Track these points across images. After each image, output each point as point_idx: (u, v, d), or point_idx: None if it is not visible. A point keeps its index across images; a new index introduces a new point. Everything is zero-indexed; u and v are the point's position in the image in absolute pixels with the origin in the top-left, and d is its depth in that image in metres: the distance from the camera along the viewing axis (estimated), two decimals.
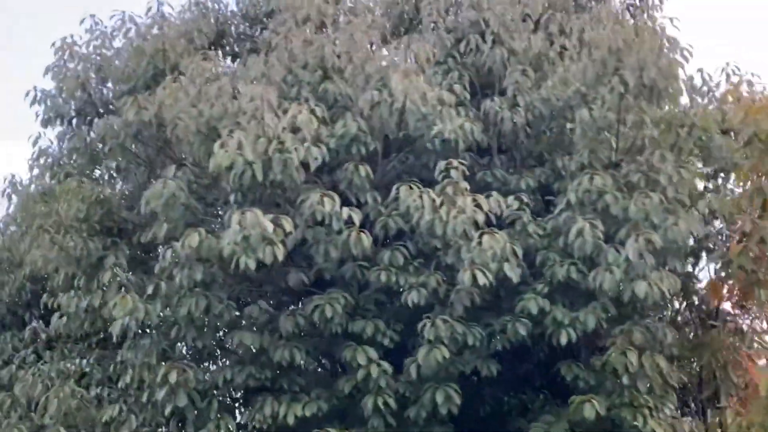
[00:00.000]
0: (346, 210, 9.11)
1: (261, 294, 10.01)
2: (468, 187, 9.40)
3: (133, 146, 10.85)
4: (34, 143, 13.50)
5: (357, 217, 9.19)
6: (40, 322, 13.25)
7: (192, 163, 9.94)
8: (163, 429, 10.01)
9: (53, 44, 12.38)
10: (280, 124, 8.93)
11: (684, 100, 10.55)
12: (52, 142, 13.57)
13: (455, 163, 9.45)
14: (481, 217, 9.07)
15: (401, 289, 9.61)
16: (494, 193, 9.52)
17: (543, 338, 9.74)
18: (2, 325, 13.28)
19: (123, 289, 9.84)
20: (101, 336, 11.05)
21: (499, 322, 9.64)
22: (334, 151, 9.59)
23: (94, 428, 10.56)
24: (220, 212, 9.92)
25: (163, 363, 9.62)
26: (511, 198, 9.67)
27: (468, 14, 11.41)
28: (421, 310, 9.85)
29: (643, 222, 9.23)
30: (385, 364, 9.39)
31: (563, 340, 9.34)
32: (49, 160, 13.35)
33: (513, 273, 9.16)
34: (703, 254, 10.58)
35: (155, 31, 11.49)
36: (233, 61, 12.29)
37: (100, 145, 11.34)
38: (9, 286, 13.02)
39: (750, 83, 10.67)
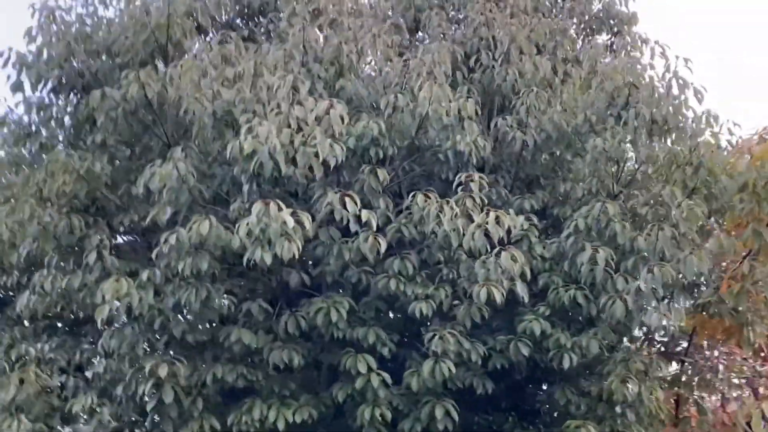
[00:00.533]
0: (365, 212, 8.82)
1: (256, 291, 9.55)
2: (486, 201, 9.30)
3: (126, 124, 10.19)
4: None
5: (374, 221, 8.91)
6: None
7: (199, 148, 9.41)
8: (144, 425, 9.37)
9: (32, 6, 11.67)
10: (310, 116, 8.56)
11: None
12: (12, 109, 12.85)
13: (476, 176, 9.32)
14: (501, 233, 8.95)
15: (406, 300, 9.37)
16: (511, 210, 9.44)
17: (539, 361, 9.72)
18: None
19: (114, 272, 9.15)
20: (72, 320, 10.32)
21: (499, 341, 9.55)
22: (350, 151, 9.29)
23: (52, 419, 9.83)
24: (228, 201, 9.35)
25: (145, 355, 9.04)
26: (521, 218, 9.61)
27: (480, 31, 11.38)
28: (418, 323, 9.68)
29: (653, 254, 9.34)
30: (385, 374, 9.12)
31: (566, 364, 9.31)
32: (12, 127, 12.61)
33: (524, 293, 9.09)
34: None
35: (158, 4, 10.90)
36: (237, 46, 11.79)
37: (85, 119, 10.63)
38: None
39: (730, 131, 11.03)
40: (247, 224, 8.30)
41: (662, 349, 11.61)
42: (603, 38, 14.06)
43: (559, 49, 12.14)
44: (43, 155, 10.94)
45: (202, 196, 9.21)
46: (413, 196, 9.30)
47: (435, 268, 9.54)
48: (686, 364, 11.07)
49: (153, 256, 8.83)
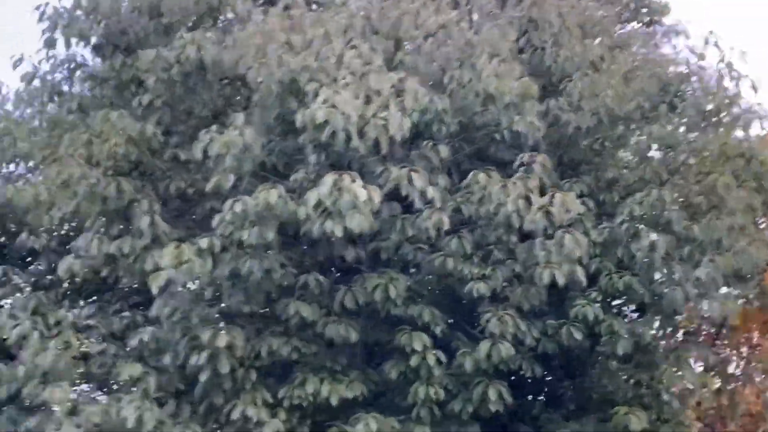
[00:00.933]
0: (431, 189, 8.68)
1: (309, 264, 9.37)
2: (549, 183, 9.21)
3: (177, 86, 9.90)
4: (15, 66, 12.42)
5: (439, 198, 8.78)
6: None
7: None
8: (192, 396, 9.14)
9: None
10: (386, 86, 8.37)
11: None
12: (36, 66, 12.46)
13: (540, 157, 9.22)
14: (564, 215, 8.88)
15: (461, 279, 9.27)
16: (571, 193, 9.36)
17: (587, 346, 9.71)
18: None
19: (164, 238, 8.89)
20: (112, 286, 10.05)
21: (550, 325, 9.51)
22: (413, 126, 9.13)
23: (91, 387, 9.60)
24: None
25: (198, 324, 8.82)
26: (578, 201, 9.54)
27: (530, 11, 11.23)
28: (470, 302, 9.60)
29: (709, 244, 9.36)
30: (440, 353, 9.03)
31: (620, 351, 9.31)
32: (37, 84, 12.24)
33: (582, 276, 9.04)
34: None
35: None
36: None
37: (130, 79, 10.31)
38: None
39: None
40: (318, 195, 8.12)
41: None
42: (634, 27, 14.06)
43: (603, 34, 12.06)
44: (81, 115, 10.65)
45: (263, 165, 8.99)
46: (474, 174, 9.18)
47: (491, 248, 9.44)
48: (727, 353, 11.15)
49: (214, 223, 8.59)
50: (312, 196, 8.18)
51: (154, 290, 8.60)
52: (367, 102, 8.47)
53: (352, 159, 8.84)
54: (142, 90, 10.12)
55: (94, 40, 10.44)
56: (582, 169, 10.96)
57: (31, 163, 12.35)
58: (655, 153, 10.58)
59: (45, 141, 10.60)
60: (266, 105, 9.24)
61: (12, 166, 12.67)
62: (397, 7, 9.88)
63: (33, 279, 11.36)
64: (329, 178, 8.05)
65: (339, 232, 8.13)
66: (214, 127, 9.10)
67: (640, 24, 14.12)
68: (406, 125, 8.57)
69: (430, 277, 9.54)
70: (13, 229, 12.07)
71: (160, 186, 10.00)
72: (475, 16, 11.83)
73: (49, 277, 11.67)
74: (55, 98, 11.75)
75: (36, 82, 12.34)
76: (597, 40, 11.54)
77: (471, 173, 9.21)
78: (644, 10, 14.13)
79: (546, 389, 10.48)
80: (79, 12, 10.99)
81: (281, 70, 8.75)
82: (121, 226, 9.58)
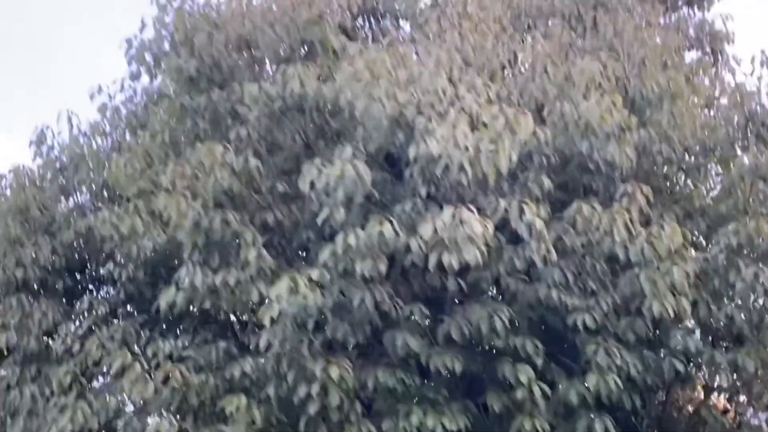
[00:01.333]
0: (539, 221, 8.74)
1: (414, 295, 9.41)
2: (651, 213, 9.27)
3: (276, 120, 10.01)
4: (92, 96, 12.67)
5: (545, 230, 8.83)
6: (95, 293, 12.21)
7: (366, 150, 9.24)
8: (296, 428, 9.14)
9: None
10: (498, 121, 8.46)
11: None
12: (111, 96, 12.68)
13: (642, 188, 9.28)
14: (671, 246, 8.91)
15: (562, 310, 9.30)
16: (674, 224, 9.39)
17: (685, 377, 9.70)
18: (30, 292, 12.04)
19: (268, 270, 8.96)
20: (211, 318, 10.11)
21: (649, 356, 9.50)
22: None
23: (190, 418, 9.62)
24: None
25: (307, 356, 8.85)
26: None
27: (612, 42, 11.34)
28: (571, 334, 9.59)
29: None
30: (545, 386, 9.04)
31: (724, 383, 9.29)
32: (120, 115, 12.44)
33: (688, 307, 9.05)
34: None
35: None
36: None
37: (227, 112, 10.44)
38: (44, 249, 11.87)
39: None
40: (434, 228, 8.18)
41: None
42: (695, 55, 14.15)
43: (681, 63, 12.16)
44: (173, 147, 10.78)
45: (371, 197, 9.07)
46: (576, 204, 9.23)
47: (592, 279, 9.46)
48: None
49: (325, 255, 8.64)
50: (428, 229, 8.24)
51: (266, 322, 8.64)
52: (477, 134, 8.54)
53: (460, 191, 8.90)
54: (238, 122, 10.24)
55: (189, 73, 10.55)
56: (669, 199, 11.02)
57: (104, 193, 12.63)
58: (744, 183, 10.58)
59: (135, 172, 10.70)
60: (370, 138, 9.31)
61: (83, 195, 12.93)
62: (491, 41, 10.02)
63: (120, 309, 11.48)
64: (448, 211, 8.12)
65: (456, 265, 8.18)
66: (317, 160, 9.20)
67: (704, 53, 14.23)
68: (513, 157, 8.65)
69: (529, 307, 9.54)
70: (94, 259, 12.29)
71: (256, 217, 10.08)
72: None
73: (128, 306, 11.86)
74: (138, 130, 11.95)
75: (108, 113, 12.65)
76: (672, 70, 11.65)
77: (573, 204, 9.27)
78: (707, 39, 14.24)
79: (645, 421, 10.43)
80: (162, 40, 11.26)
81: (390, 105, 8.84)
82: (222, 258, 9.63)
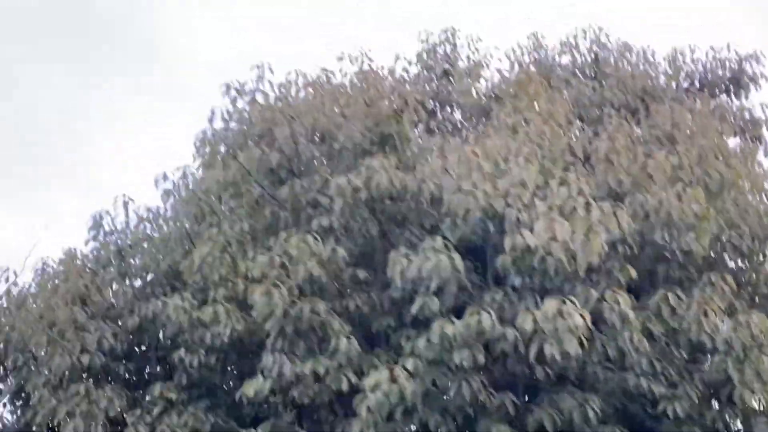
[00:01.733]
0: (631, 311, 8.90)
1: (503, 383, 9.48)
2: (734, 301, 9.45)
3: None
4: (156, 183, 12.90)
5: (635, 319, 8.98)
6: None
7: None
8: None
9: (227, 86, 11.85)
10: (592, 213, 8.71)
11: None
12: (176, 183, 12.92)
13: (727, 277, 9.50)
14: (758, 335, 9.06)
15: (651, 398, 9.38)
16: (761, 314, 9.55)
17: None
18: (94, 378, 12.04)
19: (355, 359, 9.03)
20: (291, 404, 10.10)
21: None
22: None
23: None
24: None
25: None
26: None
27: (672, 130, 11.70)
28: (651, 422, 9.64)
29: None
30: None
31: None
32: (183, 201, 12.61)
33: None
34: None
35: (372, 91, 11.10)
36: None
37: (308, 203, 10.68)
38: (107, 334, 11.94)
39: None
40: (533, 319, 8.33)
41: None
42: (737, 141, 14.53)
43: (734, 151, 12.51)
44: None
45: (462, 286, 9.22)
46: (662, 293, 9.42)
47: (678, 367, 9.57)
48: None
49: (421, 347, 8.74)
50: (527, 320, 8.38)
51: (362, 411, 8.68)
52: (573, 227, 8.75)
53: (550, 281, 9.08)
54: (319, 212, 10.46)
55: (270, 164, 10.80)
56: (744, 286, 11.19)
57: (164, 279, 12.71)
58: None
59: (216, 260, 10.82)
60: (455, 227, 9.51)
61: (144, 281, 13.02)
62: (564, 133, 10.35)
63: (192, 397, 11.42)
64: (551, 303, 8.27)
65: (558, 356, 8.29)
66: (402, 249, 9.40)
67: (745, 139, 14.62)
68: (605, 248, 8.86)
69: (615, 395, 9.61)
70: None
71: (336, 304, 10.20)
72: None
73: (189, 391, 11.79)
74: (206, 217, 12.13)
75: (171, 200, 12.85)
76: (733, 158, 11.98)
77: (657, 292, 9.45)
78: (749, 126, 14.65)
79: None
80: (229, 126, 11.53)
81: (481, 196, 9.08)
82: (306, 346, 9.70)
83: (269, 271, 9.66)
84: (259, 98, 11.71)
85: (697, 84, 15.00)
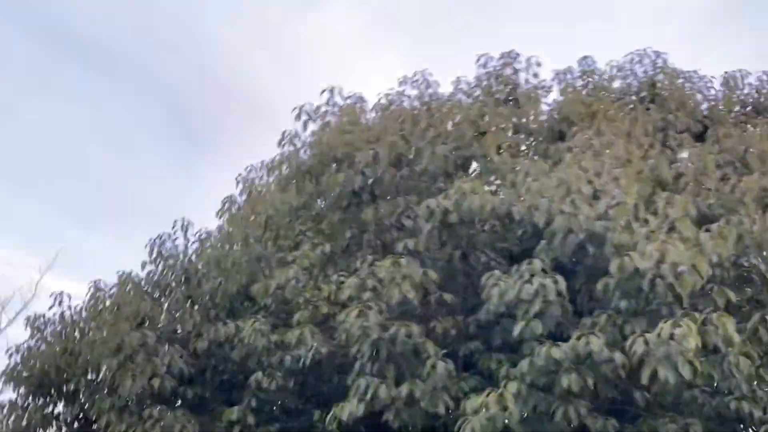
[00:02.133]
0: (737, 336, 8.82)
1: (597, 407, 9.38)
2: None
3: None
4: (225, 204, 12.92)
5: (741, 343, 8.91)
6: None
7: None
8: None
9: (297, 110, 11.87)
10: (702, 236, 8.68)
11: None
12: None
13: None
14: None
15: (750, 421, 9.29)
16: None
17: None
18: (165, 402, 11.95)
19: (448, 381, 8.95)
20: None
21: None
22: None
23: None
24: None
25: None
26: None
27: (733, 148, 11.69)
28: None
29: None
30: None
31: None
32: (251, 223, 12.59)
33: None
34: None
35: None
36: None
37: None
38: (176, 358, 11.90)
39: None
40: (645, 342, 8.26)
41: None
42: None
43: None
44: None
45: (567, 312, 9.15)
46: (756, 315, 9.35)
47: None
48: None
49: (524, 369, 8.66)
50: (639, 343, 8.30)
51: None
52: (683, 250, 8.69)
53: (656, 304, 9.02)
54: (404, 235, 10.41)
55: (352, 188, 10.78)
56: None
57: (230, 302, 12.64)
58: None
59: (299, 284, 10.74)
60: (549, 249, 9.46)
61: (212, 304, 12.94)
62: (652, 155, 10.35)
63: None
64: (666, 327, 8.20)
65: (672, 379, 8.20)
66: (496, 272, 9.35)
67: None
68: (711, 272, 8.82)
69: (713, 419, 9.51)
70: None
71: (425, 328, 10.11)
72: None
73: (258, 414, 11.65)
74: (279, 240, 12.10)
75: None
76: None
77: (755, 314, 9.39)
78: None
79: None
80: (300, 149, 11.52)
81: (584, 220, 9.03)
82: (395, 367, 9.60)
83: (360, 293, 9.58)
84: (332, 121, 11.75)
85: (750, 108, 15.05)
